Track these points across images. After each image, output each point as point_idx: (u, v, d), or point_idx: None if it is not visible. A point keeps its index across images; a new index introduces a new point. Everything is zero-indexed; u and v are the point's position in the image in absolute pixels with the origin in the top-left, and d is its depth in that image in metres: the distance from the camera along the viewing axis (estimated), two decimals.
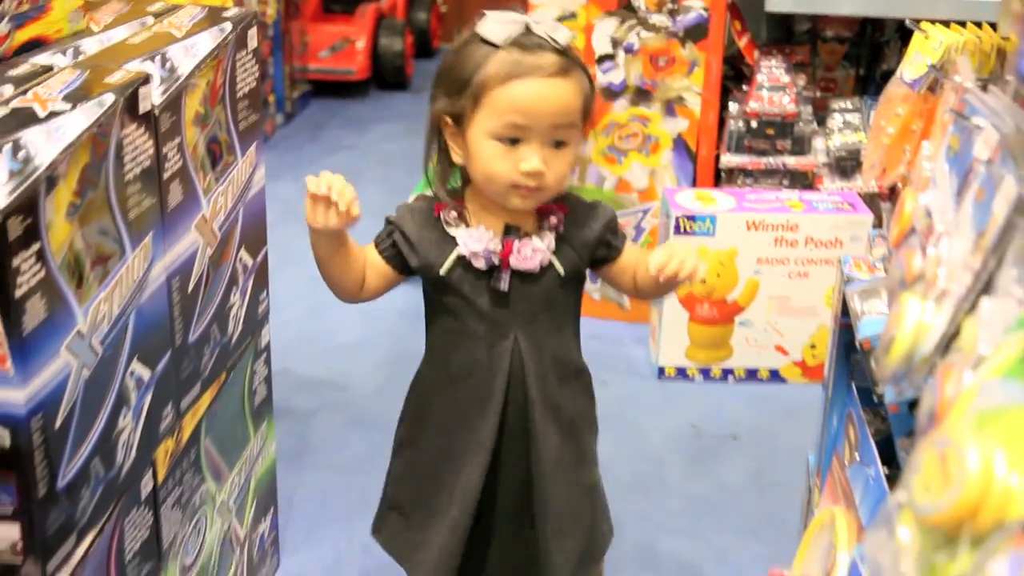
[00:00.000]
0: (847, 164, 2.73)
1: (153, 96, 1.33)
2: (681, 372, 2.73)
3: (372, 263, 1.52)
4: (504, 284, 1.47)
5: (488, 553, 1.59)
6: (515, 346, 1.49)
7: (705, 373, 2.73)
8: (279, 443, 2.03)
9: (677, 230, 2.57)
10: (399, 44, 4.81)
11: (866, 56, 3.03)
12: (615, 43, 2.78)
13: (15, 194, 1.06)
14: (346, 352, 2.82)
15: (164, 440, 1.47)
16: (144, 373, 1.38)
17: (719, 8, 2.71)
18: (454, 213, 1.49)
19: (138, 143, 1.29)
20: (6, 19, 1.28)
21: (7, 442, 1.13)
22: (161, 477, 1.47)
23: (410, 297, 3.12)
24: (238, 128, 1.59)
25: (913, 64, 1.24)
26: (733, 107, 2.79)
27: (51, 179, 1.12)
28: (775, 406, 2.64)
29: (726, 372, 2.73)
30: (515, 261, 1.46)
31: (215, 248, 1.56)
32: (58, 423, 1.18)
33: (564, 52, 1.41)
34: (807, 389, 2.66)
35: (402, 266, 1.52)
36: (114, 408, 1.31)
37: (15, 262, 1.07)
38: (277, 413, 1.98)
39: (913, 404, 1.15)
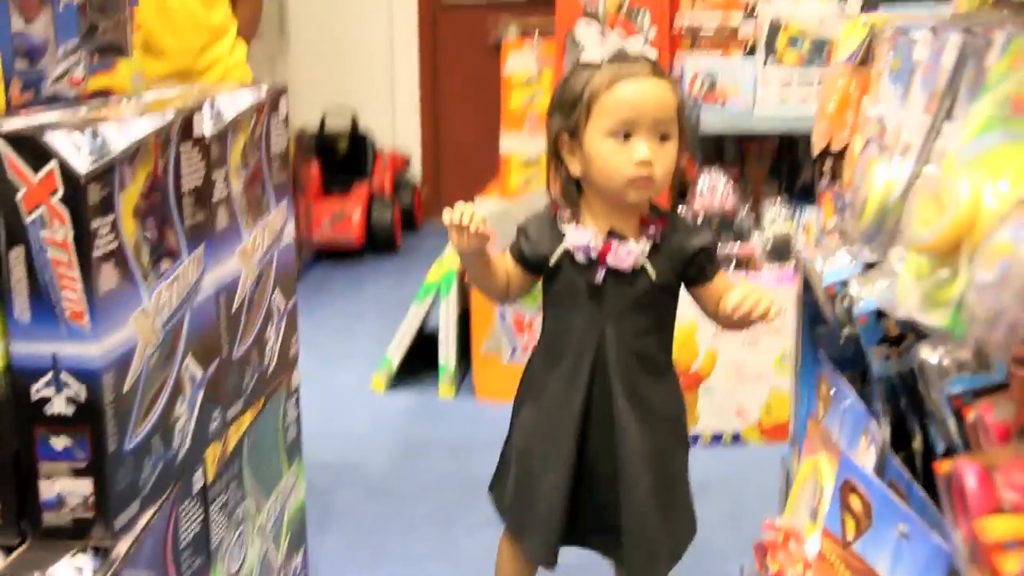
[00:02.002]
0: (781, 248, 2.77)
1: (204, 127, 1.34)
2: None
3: (509, 268, 1.54)
4: (599, 278, 1.46)
5: (586, 517, 1.52)
6: (602, 337, 1.47)
7: None
8: (306, 511, 1.95)
9: None
10: (389, 216, 4.90)
11: (787, 172, 3.11)
12: None
13: (95, 164, 1.06)
14: (359, 441, 2.76)
15: (213, 442, 1.42)
16: (197, 371, 1.34)
17: None
18: (568, 213, 1.50)
19: (193, 160, 1.30)
20: (83, 65, 1.30)
21: (83, 396, 1.09)
22: (211, 477, 1.41)
23: (413, 398, 3.11)
24: (272, 180, 1.60)
25: (847, 45, 1.28)
26: (681, 209, 2.84)
27: (122, 177, 1.11)
28: (740, 463, 2.60)
29: (695, 438, 2.68)
30: (611, 259, 1.45)
31: (254, 281, 1.54)
32: (126, 387, 1.14)
33: (654, 64, 1.45)
34: (765, 449, 2.63)
35: (526, 263, 1.52)
36: (172, 393, 1.26)
37: (94, 224, 1.06)
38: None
39: (880, 314, 1.14)
